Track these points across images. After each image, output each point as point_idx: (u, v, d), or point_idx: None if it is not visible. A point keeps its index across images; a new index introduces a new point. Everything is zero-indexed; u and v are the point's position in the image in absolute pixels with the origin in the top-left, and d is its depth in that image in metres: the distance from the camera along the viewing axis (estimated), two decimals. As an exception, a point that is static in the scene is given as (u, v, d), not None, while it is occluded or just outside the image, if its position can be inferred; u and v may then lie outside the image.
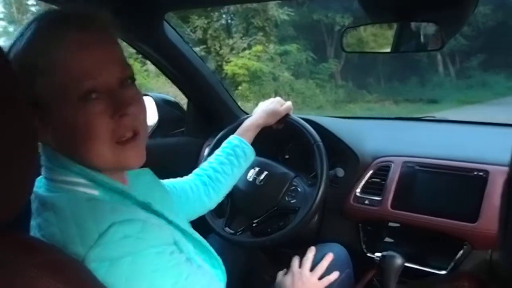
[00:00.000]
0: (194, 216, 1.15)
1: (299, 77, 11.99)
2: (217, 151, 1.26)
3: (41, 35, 0.67)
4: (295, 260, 1.21)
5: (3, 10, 12.67)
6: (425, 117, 1.88)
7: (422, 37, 1.19)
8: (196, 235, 0.87)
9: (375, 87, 12.55)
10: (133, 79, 0.74)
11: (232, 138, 1.27)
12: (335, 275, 1.18)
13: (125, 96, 0.70)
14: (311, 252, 1.23)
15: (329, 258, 1.21)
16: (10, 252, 0.51)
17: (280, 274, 1.22)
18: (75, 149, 0.70)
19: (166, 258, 0.69)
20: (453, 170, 1.29)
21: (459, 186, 1.27)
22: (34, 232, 0.68)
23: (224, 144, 1.27)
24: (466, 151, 1.35)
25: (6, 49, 0.67)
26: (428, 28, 1.15)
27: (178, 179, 1.17)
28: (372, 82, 12.78)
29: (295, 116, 1.39)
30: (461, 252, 1.25)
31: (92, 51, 0.67)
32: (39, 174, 0.73)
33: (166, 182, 1.08)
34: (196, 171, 1.22)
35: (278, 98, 1.39)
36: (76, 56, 0.66)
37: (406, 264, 1.29)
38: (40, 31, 0.67)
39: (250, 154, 1.26)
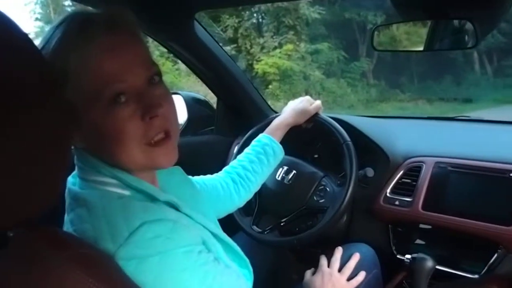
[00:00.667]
0: (223, 214, 1.16)
1: (330, 76, 11.84)
2: (246, 149, 1.27)
3: (71, 37, 0.66)
4: (324, 260, 1.20)
5: (40, 11, 13.07)
6: (459, 116, 1.82)
7: (456, 35, 1.16)
8: (224, 235, 0.87)
9: (409, 86, 12.23)
10: (160, 76, 0.73)
11: (261, 137, 1.28)
12: (362, 275, 1.17)
13: (154, 97, 0.70)
14: (338, 252, 1.22)
15: (356, 258, 1.20)
16: (42, 246, 0.52)
17: (308, 273, 1.21)
18: (105, 151, 0.70)
19: (194, 258, 0.69)
20: (487, 171, 1.25)
21: (493, 187, 1.23)
22: (67, 227, 0.70)
23: (253, 142, 1.28)
24: (501, 151, 1.31)
25: None
26: (463, 26, 1.12)
27: (209, 176, 1.18)
28: (405, 81, 12.46)
29: (324, 115, 1.38)
30: (495, 256, 1.21)
31: (121, 53, 0.67)
32: (72, 171, 0.75)
33: (196, 178, 1.09)
34: (226, 168, 1.23)
35: (307, 97, 1.38)
36: (105, 59, 0.65)
37: (438, 267, 1.26)
38: (70, 33, 0.67)
39: (280, 152, 1.26)
